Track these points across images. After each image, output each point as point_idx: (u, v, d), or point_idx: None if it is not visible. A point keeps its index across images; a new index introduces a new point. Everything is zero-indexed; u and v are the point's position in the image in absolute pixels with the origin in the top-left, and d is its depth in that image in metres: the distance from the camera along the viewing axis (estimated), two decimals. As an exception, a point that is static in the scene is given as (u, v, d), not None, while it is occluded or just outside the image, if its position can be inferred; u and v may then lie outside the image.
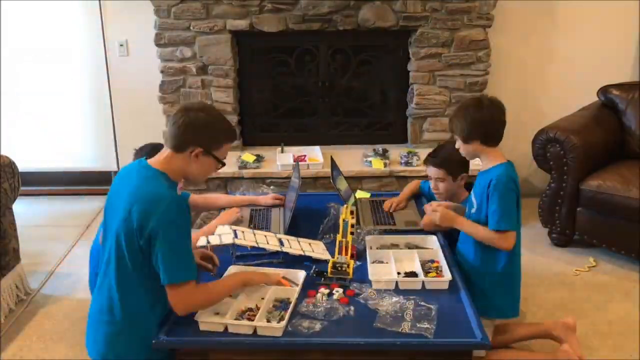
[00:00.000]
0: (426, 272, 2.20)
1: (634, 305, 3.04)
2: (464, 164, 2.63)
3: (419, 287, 2.12)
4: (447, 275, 2.15)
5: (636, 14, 4.08)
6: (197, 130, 1.92)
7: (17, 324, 2.95)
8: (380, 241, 2.47)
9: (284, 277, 2.16)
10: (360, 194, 3.05)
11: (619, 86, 3.85)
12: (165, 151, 1.96)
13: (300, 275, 2.19)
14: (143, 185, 1.88)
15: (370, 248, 2.39)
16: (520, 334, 2.62)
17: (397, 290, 2.12)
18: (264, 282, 2.11)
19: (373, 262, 2.29)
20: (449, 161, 2.63)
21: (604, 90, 3.88)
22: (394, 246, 2.45)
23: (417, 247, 2.43)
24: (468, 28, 3.93)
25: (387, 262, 2.30)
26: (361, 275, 2.22)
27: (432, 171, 2.70)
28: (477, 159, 2.40)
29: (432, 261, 2.30)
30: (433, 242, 2.44)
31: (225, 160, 2.02)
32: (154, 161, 1.96)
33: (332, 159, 2.94)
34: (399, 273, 2.21)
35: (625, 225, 3.33)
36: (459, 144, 2.37)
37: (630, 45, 4.17)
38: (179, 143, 1.92)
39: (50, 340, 2.82)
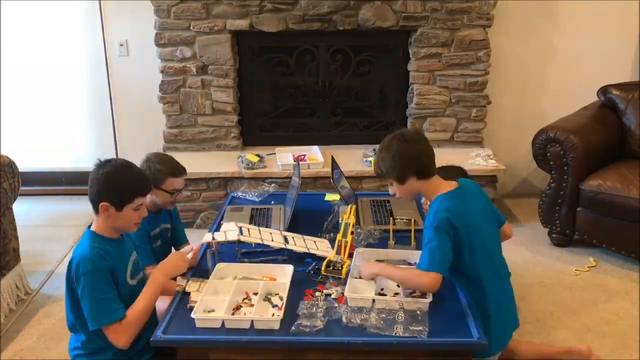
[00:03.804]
0: (410, 293, 2.09)
1: (634, 305, 3.04)
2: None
3: (396, 307, 2.01)
4: (429, 296, 2.03)
5: (636, 13, 4.09)
6: (101, 188, 2.01)
7: (17, 324, 2.95)
8: (371, 255, 2.35)
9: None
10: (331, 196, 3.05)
11: (619, 86, 3.85)
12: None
13: (288, 270, 2.20)
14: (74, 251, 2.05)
15: (357, 261, 2.27)
16: (528, 354, 2.48)
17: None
18: (180, 270, 2.17)
19: (356, 277, 2.18)
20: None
21: (604, 90, 3.87)
22: (382, 261, 2.31)
23: (408, 263, 2.30)
24: (468, 28, 3.93)
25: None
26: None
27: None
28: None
29: None
30: None
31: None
32: (94, 222, 2.08)
33: (332, 159, 2.92)
34: (382, 289, 2.12)
35: (625, 225, 3.32)
36: (394, 189, 2.21)
37: (630, 45, 4.18)
38: (93, 205, 2.03)
39: (51, 340, 2.82)
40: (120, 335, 1.96)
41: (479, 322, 1.96)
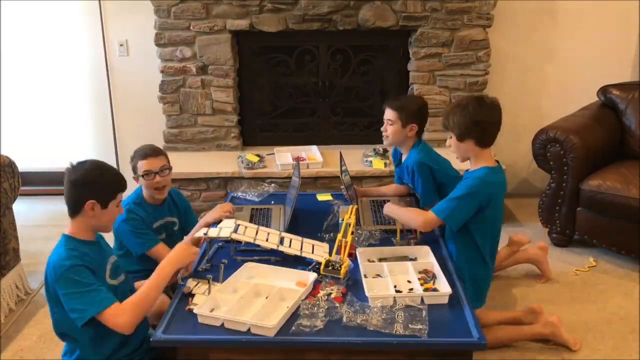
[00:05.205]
0: (422, 284, 2.13)
1: (634, 305, 3.04)
2: (419, 117, 2.79)
3: (418, 302, 2.04)
4: (446, 288, 2.07)
5: (636, 14, 4.09)
6: (84, 188, 2.00)
7: (17, 324, 2.95)
8: (372, 254, 2.38)
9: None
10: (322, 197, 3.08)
11: (619, 86, 3.85)
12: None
13: (310, 277, 2.17)
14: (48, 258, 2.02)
15: (362, 261, 2.29)
16: (492, 319, 2.66)
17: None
18: (189, 260, 2.13)
19: (366, 277, 2.20)
20: (405, 108, 2.80)
21: (604, 90, 3.87)
22: (384, 259, 2.35)
23: (409, 258, 2.34)
24: (468, 28, 3.93)
25: (381, 276, 2.22)
26: (357, 275, 2.21)
27: (387, 112, 2.84)
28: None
29: (426, 271, 2.23)
30: (426, 254, 2.34)
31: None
32: (69, 227, 2.06)
33: (341, 155, 3.00)
34: (395, 286, 2.14)
35: (625, 225, 3.32)
36: (451, 142, 2.38)
37: (630, 45, 4.17)
38: (74, 207, 2.02)
39: (50, 340, 2.81)
40: (120, 316, 1.87)
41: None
